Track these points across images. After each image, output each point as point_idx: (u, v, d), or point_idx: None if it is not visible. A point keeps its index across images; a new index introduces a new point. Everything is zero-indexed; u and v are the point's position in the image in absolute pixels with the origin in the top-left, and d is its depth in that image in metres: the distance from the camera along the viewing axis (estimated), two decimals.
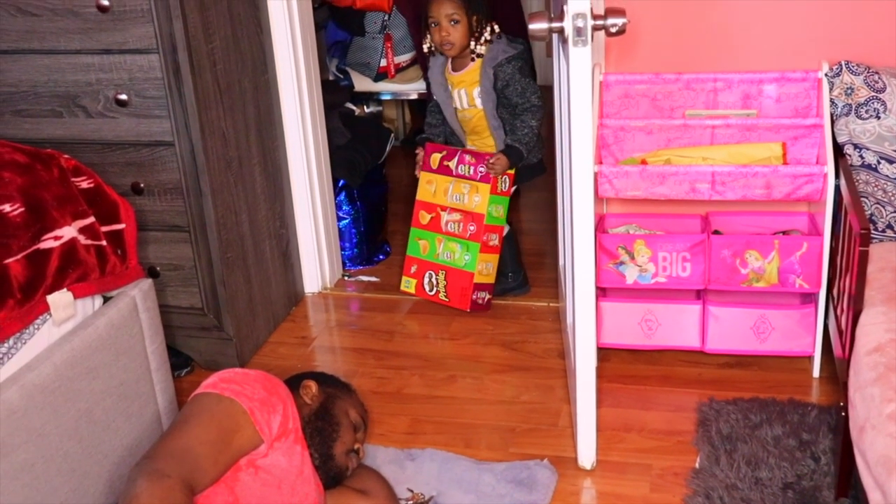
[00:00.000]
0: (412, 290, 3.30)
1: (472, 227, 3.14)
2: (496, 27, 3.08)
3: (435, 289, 3.24)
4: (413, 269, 3.30)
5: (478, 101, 3.11)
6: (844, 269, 2.33)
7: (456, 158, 3.18)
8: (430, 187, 3.27)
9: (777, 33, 2.72)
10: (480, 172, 3.11)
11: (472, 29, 3.04)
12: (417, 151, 3.33)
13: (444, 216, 3.22)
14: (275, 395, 2.02)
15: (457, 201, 3.19)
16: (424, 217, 3.28)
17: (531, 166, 3.20)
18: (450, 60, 3.16)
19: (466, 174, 3.15)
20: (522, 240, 3.79)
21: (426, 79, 3.38)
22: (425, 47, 3.17)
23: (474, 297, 3.16)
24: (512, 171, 3.12)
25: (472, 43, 3.06)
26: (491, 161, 3.05)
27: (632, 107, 2.77)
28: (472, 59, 3.09)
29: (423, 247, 3.27)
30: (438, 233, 3.24)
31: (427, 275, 3.26)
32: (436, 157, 3.24)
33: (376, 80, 4.11)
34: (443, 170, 3.22)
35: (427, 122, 3.36)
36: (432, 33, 3.09)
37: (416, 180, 3.31)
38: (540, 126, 3.11)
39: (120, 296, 2.21)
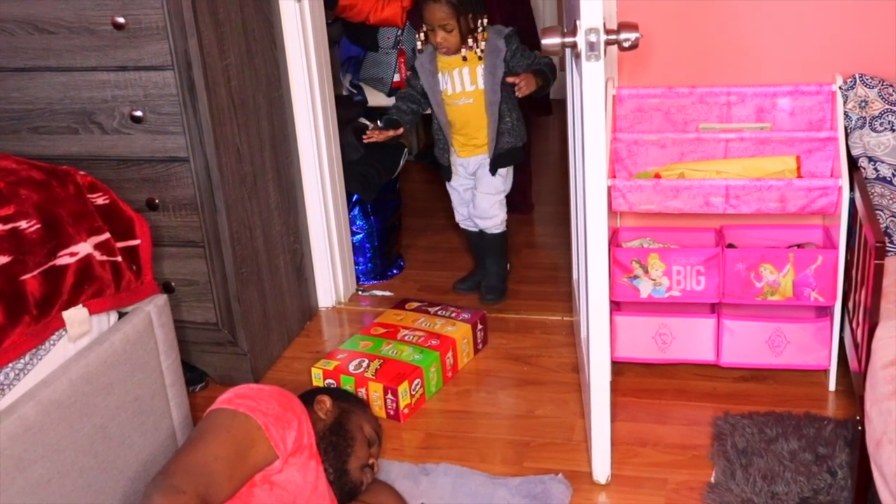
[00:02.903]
0: (329, 367, 2.81)
1: (434, 341, 2.90)
2: (485, 20, 3.13)
3: (361, 369, 2.78)
4: (340, 356, 2.87)
5: (480, 80, 3.12)
6: (860, 283, 2.32)
7: (438, 307, 3.12)
8: (396, 317, 3.09)
9: (790, 47, 2.72)
10: (465, 317, 3.02)
11: (464, 30, 3.09)
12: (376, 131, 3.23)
13: (404, 331, 2.98)
14: (289, 411, 2.02)
15: (425, 326, 3.00)
16: (378, 330, 3.01)
17: (513, 150, 3.22)
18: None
19: (448, 316, 3.06)
20: (536, 254, 3.80)
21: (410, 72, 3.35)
22: (418, 43, 3.21)
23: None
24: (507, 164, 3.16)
25: (470, 41, 3.10)
26: (519, 82, 3.02)
27: (645, 121, 2.77)
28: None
29: (364, 346, 2.91)
30: (391, 339, 2.94)
31: (357, 360, 2.83)
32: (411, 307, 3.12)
33: (390, 95, 4.12)
34: (417, 310, 3.13)
35: (397, 105, 3.29)
36: (429, 35, 3.14)
37: (430, 193, 3.32)
38: (553, 77, 3.15)
39: (135, 311, 2.22)
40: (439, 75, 3.17)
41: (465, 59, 3.11)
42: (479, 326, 3.03)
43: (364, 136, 3.23)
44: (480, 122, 3.17)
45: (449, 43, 3.09)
